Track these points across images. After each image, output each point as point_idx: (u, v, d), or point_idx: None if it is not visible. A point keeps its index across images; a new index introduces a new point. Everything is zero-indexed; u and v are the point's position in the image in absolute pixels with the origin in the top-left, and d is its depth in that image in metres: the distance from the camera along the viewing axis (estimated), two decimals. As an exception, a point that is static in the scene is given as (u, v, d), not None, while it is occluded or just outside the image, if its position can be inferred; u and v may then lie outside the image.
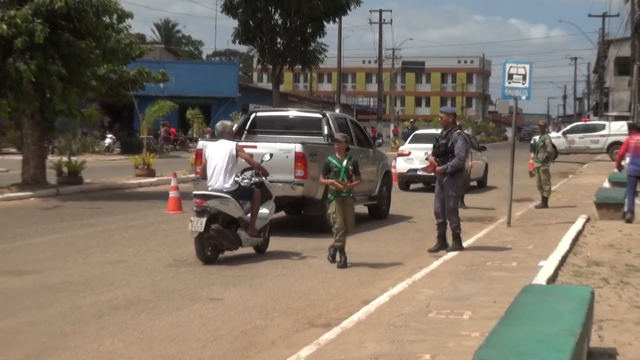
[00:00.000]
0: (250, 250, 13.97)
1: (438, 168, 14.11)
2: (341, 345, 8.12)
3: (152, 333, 8.87)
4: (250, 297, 10.72)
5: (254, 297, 10.69)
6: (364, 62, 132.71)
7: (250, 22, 45.13)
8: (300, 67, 47.56)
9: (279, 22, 45.62)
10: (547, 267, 11.86)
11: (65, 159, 26.54)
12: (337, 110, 54.22)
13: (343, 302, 10.58)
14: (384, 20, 77.97)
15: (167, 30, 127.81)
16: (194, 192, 13.60)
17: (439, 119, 15.00)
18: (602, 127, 49.34)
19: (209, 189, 13.52)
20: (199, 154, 16.88)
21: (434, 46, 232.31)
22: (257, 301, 10.48)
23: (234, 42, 47.23)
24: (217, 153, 13.60)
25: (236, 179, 13.72)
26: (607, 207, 18.65)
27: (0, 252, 13.88)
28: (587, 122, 57.20)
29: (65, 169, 25.45)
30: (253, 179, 14.02)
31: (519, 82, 17.17)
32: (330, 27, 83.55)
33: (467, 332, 8.50)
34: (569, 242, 14.34)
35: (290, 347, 8.52)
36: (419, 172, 25.07)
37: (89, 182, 25.96)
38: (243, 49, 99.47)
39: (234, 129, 15.22)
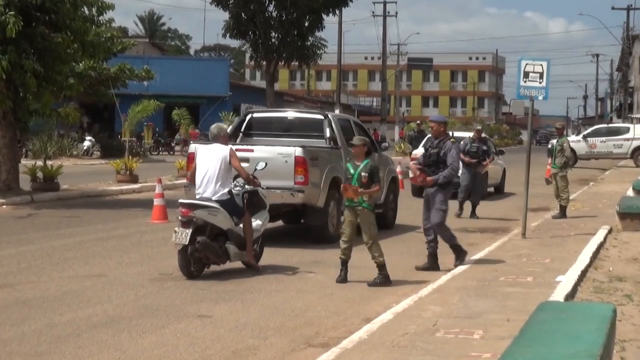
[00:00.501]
0: (238, 263, 13.97)
1: (429, 179, 14.04)
2: (341, 366, 8.16)
3: (135, 353, 8.90)
4: (242, 314, 10.75)
5: (246, 314, 10.72)
6: (366, 58, 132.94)
7: (242, 15, 45.20)
8: (296, 63, 47.65)
9: (274, 14, 45.71)
10: (566, 282, 11.89)
11: (40, 163, 26.57)
12: (337, 111, 54.29)
13: (343, 320, 10.61)
14: (389, 12, 78.19)
15: (151, 23, 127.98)
16: (180, 201, 13.51)
17: (430, 129, 15.02)
18: (626, 130, 49.40)
19: (197, 197, 13.47)
20: (191, 158, 16.39)
21: (442, 41, 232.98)
22: (249, 318, 10.51)
23: (224, 36, 47.33)
24: (209, 158, 13.49)
25: (233, 189, 13.67)
26: (631, 217, 18.69)
27: (-31, 264, 13.90)
28: (610, 125, 57.26)
29: (40, 174, 25.45)
30: (246, 186, 13.99)
31: (536, 81, 17.22)
32: (329, 20, 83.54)
33: (478, 353, 8.53)
34: (589, 256, 14.37)
35: (285, 368, 8.57)
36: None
37: (66, 188, 25.98)
38: (234, 43, 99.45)
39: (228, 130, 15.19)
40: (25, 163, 28.00)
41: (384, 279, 12.88)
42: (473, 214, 22.33)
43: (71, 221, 19.55)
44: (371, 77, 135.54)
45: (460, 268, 13.84)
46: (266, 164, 14.89)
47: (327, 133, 18.16)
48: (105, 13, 24.58)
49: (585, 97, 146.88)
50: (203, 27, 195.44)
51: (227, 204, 13.38)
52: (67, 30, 23.24)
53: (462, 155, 20.67)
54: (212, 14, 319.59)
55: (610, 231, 18.15)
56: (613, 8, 79.47)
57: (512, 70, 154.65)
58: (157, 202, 19.91)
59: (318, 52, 47.04)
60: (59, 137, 45.71)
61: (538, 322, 7.15)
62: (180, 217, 13.07)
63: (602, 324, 7.00)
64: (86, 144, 48.14)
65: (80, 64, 34.28)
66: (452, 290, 11.90)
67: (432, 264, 14.25)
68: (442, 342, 9.02)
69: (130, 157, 30.92)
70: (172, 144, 56.08)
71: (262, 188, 14.33)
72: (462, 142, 22.02)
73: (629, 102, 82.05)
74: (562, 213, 21.34)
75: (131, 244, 16.41)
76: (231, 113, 47.01)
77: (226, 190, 13.47)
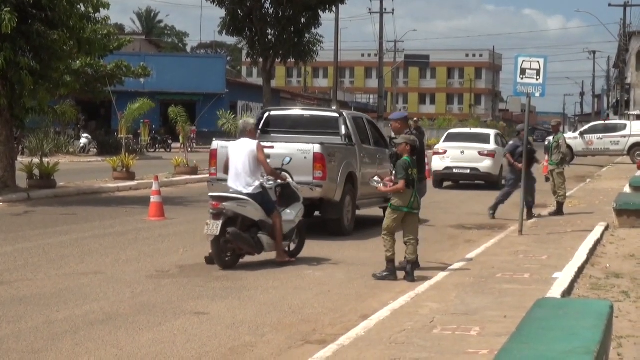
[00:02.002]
0: (254, 258, 14.00)
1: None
2: (338, 363, 8.16)
3: (132, 350, 8.90)
4: (239, 311, 10.75)
5: (243, 312, 10.72)
6: (363, 55, 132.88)
7: (239, 11, 45.15)
8: (293, 60, 47.57)
9: (270, 11, 45.66)
10: (562, 279, 11.91)
11: (36, 160, 26.53)
12: (334, 108, 54.27)
13: (340, 317, 10.62)
14: (385, 9, 78.15)
15: (148, 20, 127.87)
16: (210, 194, 14.22)
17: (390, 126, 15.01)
18: (623, 127, 49.39)
19: (230, 190, 13.91)
20: (214, 154, 17.65)
21: (439, 38, 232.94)
22: (246, 316, 10.51)
23: (220, 33, 47.27)
24: (238, 153, 13.98)
25: (265, 183, 14.10)
26: (627, 214, 18.71)
27: (-35, 262, 13.89)
28: (607, 122, 57.29)
29: (36, 172, 25.44)
30: (278, 180, 14.41)
31: (533, 78, 17.23)
32: (326, 17, 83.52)
33: (475, 350, 8.54)
34: (586, 252, 14.39)
35: (282, 365, 8.58)
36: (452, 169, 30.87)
37: (62, 185, 25.96)
38: (231, 40, 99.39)
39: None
40: (22, 160, 27.98)
41: (387, 274, 12.96)
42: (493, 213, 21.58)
43: (68, 218, 19.54)
44: (368, 74, 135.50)
45: (458, 265, 13.86)
46: (291, 158, 15.55)
47: (343, 130, 18.74)
48: (101, 10, 24.59)
49: (582, 94, 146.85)
50: (200, 24, 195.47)
51: (258, 196, 13.81)
52: (63, 28, 23.19)
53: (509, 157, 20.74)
54: (209, 11, 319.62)
55: (607, 228, 18.17)
56: (610, 5, 79.45)
57: (509, 67, 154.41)
58: (153, 199, 19.89)
59: (314, 48, 46.97)
60: (55, 135, 45.66)
61: (535, 319, 7.16)
62: (211, 210, 13.55)
63: (599, 321, 7.01)
64: (83, 141, 48.10)
65: (77, 62, 34.27)
66: (449, 287, 11.91)
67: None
68: (439, 338, 9.03)
69: (126, 154, 30.89)
70: (169, 142, 56.05)
71: (291, 181, 14.87)
72: (511, 142, 21.65)
73: (626, 99, 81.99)
74: (559, 210, 21.35)
75: (128, 241, 16.41)
76: (229, 110, 46.91)
77: (257, 183, 13.89)
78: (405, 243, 13.01)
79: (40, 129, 43.13)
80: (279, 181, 14.40)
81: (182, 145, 37.98)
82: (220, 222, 13.33)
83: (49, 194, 24.19)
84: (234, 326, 10.00)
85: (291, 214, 14.37)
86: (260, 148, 14.07)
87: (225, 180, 14.75)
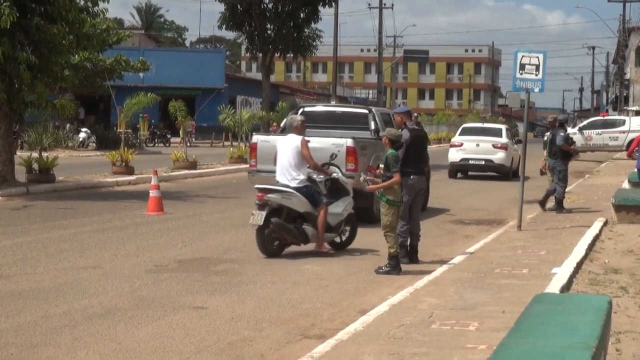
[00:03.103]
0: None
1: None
2: (336, 358, 8.17)
3: (131, 344, 8.91)
4: (238, 305, 10.76)
5: (242, 306, 10.73)
6: (362, 50, 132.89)
7: (238, 6, 45.14)
8: (292, 55, 47.55)
9: (270, 6, 45.63)
10: (561, 274, 11.91)
11: (35, 154, 26.51)
12: (333, 103, 54.27)
13: (338, 312, 10.63)
14: (385, 4, 78.02)
15: (148, 14, 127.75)
16: (255, 186, 14.92)
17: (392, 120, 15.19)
18: (622, 122, 49.40)
19: (277, 184, 14.46)
20: (254, 148, 19.29)
21: (439, 34, 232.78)
22: (245, 310, 10.52)
23: (220, 27, 47.27)
24: (284, 148, 14.52)
25: (316, 177, 14.67)
26: (626, 209, 18.72)
27: (-36, 256, 13.89)
28: (606, 117, 57.29)
29: (35, 166, 25.42)
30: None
31: (532, 73, 17.23)
32: (325, 11, 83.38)
33: (474, 345, 8.54)
34: (585, 248, 14.39)
35: (280, 359, 8.58)
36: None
37: (61, 180, 25.95)
38: (230, 35, 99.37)
39: (282, 124, 17.55)
40: (21, 154, 27.93)
41: (390, 269, 12.94)
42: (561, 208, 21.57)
43: (66, 213, 19.53)
44: (367, 69, 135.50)
45: (456, 260, 13.87)
46: (336, 154, 16.67)
47: (372, 125, 19.98)
48: (100, 4, 24.55)
49: (581, 90, 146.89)
50: (199, 19, 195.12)
51: (303, 189, 14.36)
52: (62, 22, 23.16)
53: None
54: (208, 6, 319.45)
55: (605, 223, 18.17)
56: (609, 1, 79.37)
57: (508, 62, 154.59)
58: (152, 193, 19.88)
59: (314, 43, 46.94)
60: (54, 129, 45.64)
61: (533, 314, 7.16)
62: (256, 201, 14.22)
63: (597, 316, 7.02)
64: (82, 135, 48.07)
65: (76, 56, 34.25)
66: (448, 282, 11.92)
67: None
68: (437, 333, 9.04)
69: (125, 148, 30.87)
70: (168, 136, 56.02)
71: (340, 175, 15.56)
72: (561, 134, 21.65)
73: (625, 94, 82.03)
74: (559, 205, 21.32)
75: (127, 235, 16.40)
76: (228, 105, 46.91)
77: (302, 177, 14.42)
78: (385, 236, 13.12)
79: (39, 123, 43.12)
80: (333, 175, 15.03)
81: (182, 140, 37.96)
82: (264, 213, 13.98)
83: (47, 189, 24.18)
84: (233, 321, 10.01)
85: (339, 207, 14.85)
86: (304, 144, 14.57)
87: (265, 172, 17.61)
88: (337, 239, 15.07)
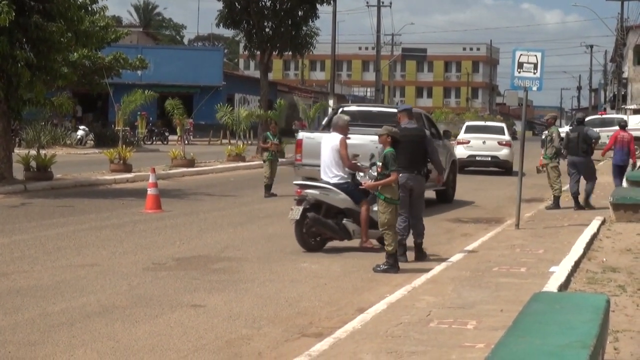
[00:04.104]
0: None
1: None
2: (334, 356, 8.16)
3: (129, 342, 8.90)
4: (236, 304, 10.75)
5: (240, 304, 10.72)
6: (360, 48, 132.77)
7: (236, 4, 45.07)
8: (290, 53, 47.51)
9: (268, 4, 45.57)
10: (559, 273, 11.91)
11: (33, 152, 26.50)
12: (331, 102, 54.33)
13: (336, 310, 10.62)
14: (383, 2, 78.04)
15: (145, 12, 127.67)
16: (294, 182, 15.80)
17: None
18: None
19: (321, 181, 14.85)
20: (300, 144, 21.27)
21: (437, 32, 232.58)
22: (242, 308, 10.51)
23: (218, 25, 47.18)
24: (326, 146, 14.80)
25: (370, 173, 14.63)
26: (624, 208, 18.72)
27: (-38, 253, 13.88)
28: (604, 116, 57.26)
29: (33, 164, 25.40)
30: (373, 173, 14.74)
31: (530, 72, 17.23)
32: (323, 9, 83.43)
33: (472, 344, 8.54)
34: (583, 246, 14.39)
35: (278, 358, 8.58)
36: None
37: (59, 177, 25.93)
38: (228, 33, 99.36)
39: (323, 122, 19.24)
40: (19, 152, 27.92)
41: (387, 267, 12.93)
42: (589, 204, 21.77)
43: (64, 210, 19.52)
44: (365, 67, 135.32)
45: (455, 258, 13.87)
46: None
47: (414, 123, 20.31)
48: (99, 1, 24.57)
49: (579, 88, 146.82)
50: (197, 17, 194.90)
51: (344, 185, 14.65)
52: (61, 20, 23.14)
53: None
54: (207, 4, 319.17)
55: (603, 222, 18.18)
56: (607, -1, 79.45)
57: (506, 61, 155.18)
58: (150, 191, 19.87)
59: (311, 40, 46.88)
60: (52, 127, 45.60)
61: (531, 313, 7.16)
62: (295, 197, 14.93)
63: (595, 315, 7.02)
64: (80, 133, 48.01)
65: (74, 54, 34.15)
66: (446, 280, 11.91)
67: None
68: (435, 332, 9.04)
69: (123, 146, 30.85)
70: (166, 134, 55.97)
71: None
72: (591, 131, 21.94)
73: (623, 93, 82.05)
74: (556, 204, 21.34)
75: (125, 233, 16.39)
76: (226, 103, 46.88)
77: (342, 174, 14.71)
78: (383, 234, 13.16)
79: (37, 120, 43.08)
80: (374, 173, 14.75)
81: (179, 138, 37.94)
82: (301, 208, 14.43)
83: (45, 186, 24.16)
84: (231, 319, 10.00)
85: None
86: (342, 143, 14.82)
87: (309, 165, 20.01)
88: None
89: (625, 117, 52.31)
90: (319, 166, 15.30)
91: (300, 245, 14.63)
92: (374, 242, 14.74)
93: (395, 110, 21.11)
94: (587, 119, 52.33)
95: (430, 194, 21.99)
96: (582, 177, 21.17)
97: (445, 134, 25.32)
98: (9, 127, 25.20)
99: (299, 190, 14.96)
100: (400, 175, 13.70)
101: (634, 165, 25.79)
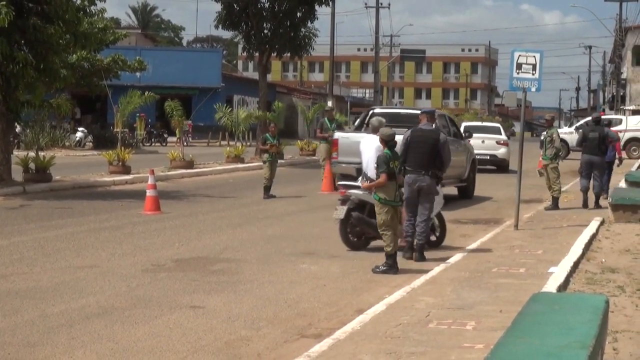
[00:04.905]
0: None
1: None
2: (333, 357, 8.17)
3: (128, 344, 8.90)
4: (235, 305, 10.76)
5: (239, 305, 10.73)
6: (359, 49, 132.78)
7: (235, 6, 45.05)
8: (289, 55, 47.49)
9: (266, 5, 45.55)
10: (558, 273, 11.92)
11: (32, 154, 26.49)
12: (330, 103, 54.30)
13: (336, 311, 10.62)
14: (382, 4, 78.05)
15: (144, 14, 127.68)
16: (338, 183, 16.42)
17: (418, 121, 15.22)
18: (619, 122, 49.45)
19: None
20: (336, 143, 22.90)
21: (435, 33, 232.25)
22: (242, 310, 10.52)
23: (216, 27, 47.15)
24: (367, 148, 14.73)
25: None
26: (623, 208, 18.74)
27: (-39, 255, 13.88)
28: (603, 117, 57.30)
29: (32, 165, 25.39)
30: None
31: (529, 73, 17.24)
32: (322, 10, 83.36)
33: (471, 344, 8.55)
34: (582, 247, 14.40)
35: (278, 359, 8.58)
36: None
37: (58, 179, 25.91)
38: (227, 34, 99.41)
39: (355, 123, 20.30)
40: (17, 154, 27.92)
41: (387, 268, 12.94)
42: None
43: (63, 212, 19.51)
44: (364, 68, 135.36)
45: (454, 259, 13.88)
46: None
47: (433, 125, 20.80)
48: (98, 3, 24.58)
49: (578, 89, 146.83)
50: (196, 18, 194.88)
51: None
52: (59, 21, 23.14)
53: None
54: (205, 5, 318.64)
55: (602, 223, 18.18)
56: (606, 0, 79.44)
57: (505, 62, 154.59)
58: (149, 193, 19.87)
59: (310, 42, 46.84)
60: (51, 128, 45.56)
61: (531, 314, 7.17)
62: (339, 197, 15.20)
63: (594, 315, 7.02)
64: (78, 135, 47.97)
65: (73, 55, 34.22)
66: (445, 281, 11.92)
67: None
68: (434, 333, 9.04)
69: (122, 148, 30.84)
70: (165, 136, 55.95)
71: None
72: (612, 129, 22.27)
73: (622, 94, 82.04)
74: (555, 205, 21.36)
75: (124, 235, 16.39)
76: (225, 104, 46.87)
77: None
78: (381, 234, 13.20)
79: (36, 122, 43.06)
80: None
81: (178, 140, 37.92)
82: (345, 208, 14.76)
83: (44, 188, 24.15)
84: (230, 320, 10.01)
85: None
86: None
87: (344, 163, 21.41)
88: (432, 237, 15.26)
89: (623, 117, 52.40)
90: (354, 164, 16.13)
91: (345, 244, 14.96)
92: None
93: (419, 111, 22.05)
94: (586, 119, 52.57)
95: (451, 190, 23.61)
96: (594, 175, 21.56)
97: (467, 134, 26.75)
98: (9, 129, 25.19)
99: (342, 191, 15.26)
100: (408, 175, 13.82)
101: (620, 160, 25.91)
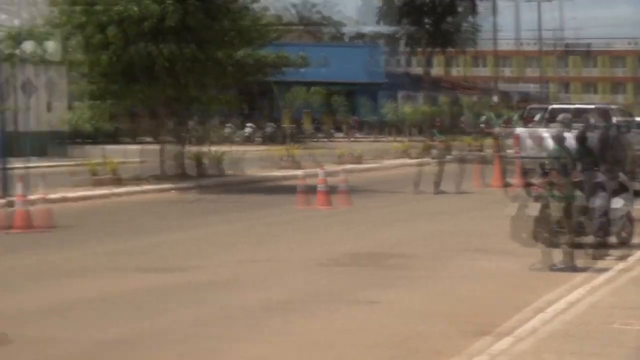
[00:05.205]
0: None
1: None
2: (516, 356, 8.00)
3: (308, 337, 8.97)
4: (410, 300, 10.72)
5: (415, 301, 10.69)
6: (522, 44, 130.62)
7: (395, 1, 45.03)
8: (451, 49, 47.18)
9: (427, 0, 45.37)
10: None
11: (204, 149, 27.03)
12: (495, 98, 53.79)
13: (513, 309, 10.41)
14: (544, -2, 76.70)
15: (305, 10, 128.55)
16: (531, 180, 15.45)
17: None
18: None
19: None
20: (517, 137, 24.22)
21: (600, 27, 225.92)
22: (418, 305, 10.48)
23: (378, 22, 47.23)
24: (552, 143, 14.48)
25: None
26: None
27: (142, 248, 14.34)
28: None
29: (205, 160, 25.91)
30: None
31: None
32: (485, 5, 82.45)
33: (657, 346, 8.29)
34: None
35: (458, 356, 8.47)
36: None
37: (230, 174, 26.39)
38: (389, 30, 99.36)
39: (536, 118, 22.27)
40: (190, 149, 28.55)
41: (564, 266, 12.70)
42: None
43: (237, 206, 19.86)
44: (528, 63, 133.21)
45: (633, 257, 13.45)
46: None
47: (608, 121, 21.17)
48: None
49: None
50: (357, 15, 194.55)
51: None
52: (224, 18, 23.53)
53: None
54: (367, 0, 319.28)
55: None
56: None
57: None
58: (320, 188, 19.99)
59: (472, 37, 46.47)
60: (220, 124, 46.45)
61: None
62: (533, 194, 14.47)
63: None
64: (247, 130, 48.76)
65: (239, 52, 34.73)
66: (626, 280, 11.58)
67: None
68: (618, 333, 8.79)
69: (291, 143, 31.18)
70: (332, 131, 56.31)
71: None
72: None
73: None
74: None
75: (297, 229, 16.57)
76: (390, 100, 46.91)
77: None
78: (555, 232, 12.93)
79: (206, 118, 43.95)
80: None
81: (345, 135, 38.11)
82: (539, 205, 14.00)
83: (217, 182, 24.63)
84: (406, 315, 9.97)
85: (618, 204, 14.70)
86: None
87: (527, 158, 22.32)
88: (623, 234, 14.98)
89: None
90: (535, 158, 16.64)
91: (517, 241, 14.30)
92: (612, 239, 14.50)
93: (603, 107, 22.19)
94: None
95: None
96: None
97: None
98: (183, 125, 25.78)
99: (535, 188, 14.73)
100: (587, 172, 13.63)
101: None
